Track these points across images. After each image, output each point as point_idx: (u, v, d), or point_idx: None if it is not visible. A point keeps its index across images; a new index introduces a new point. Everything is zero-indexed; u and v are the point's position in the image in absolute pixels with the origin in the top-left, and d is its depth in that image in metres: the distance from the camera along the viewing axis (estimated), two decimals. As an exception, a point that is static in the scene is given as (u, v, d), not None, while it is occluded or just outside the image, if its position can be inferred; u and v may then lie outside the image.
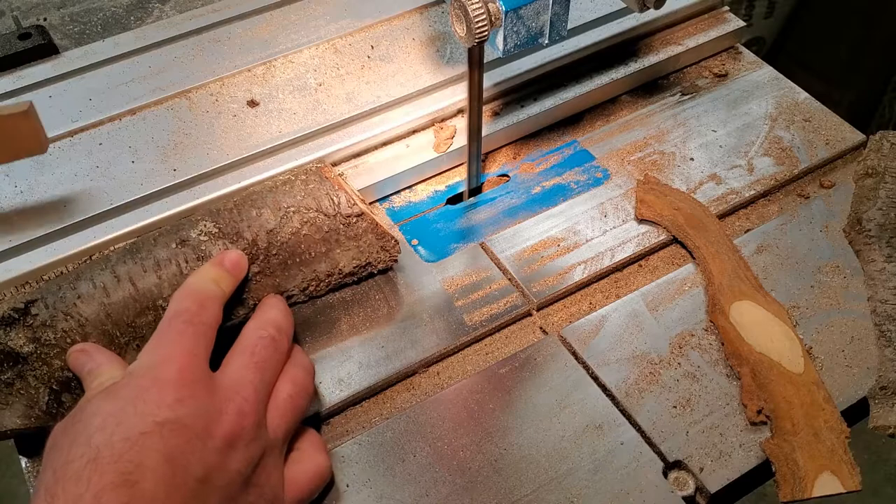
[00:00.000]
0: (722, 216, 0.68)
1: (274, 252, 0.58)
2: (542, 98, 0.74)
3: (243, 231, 0.58)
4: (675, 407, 0.56)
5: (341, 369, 0.58)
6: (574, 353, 0.60)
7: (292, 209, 0.59)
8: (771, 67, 0.80)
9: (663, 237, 0.66)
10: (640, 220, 0.67)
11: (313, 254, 0.60)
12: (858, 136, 0.73)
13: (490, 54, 0.65)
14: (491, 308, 0.62)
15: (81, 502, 0.41)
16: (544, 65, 0.74)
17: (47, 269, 0.60)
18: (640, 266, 0.66)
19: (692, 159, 0.72)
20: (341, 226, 0.60)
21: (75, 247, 0.61)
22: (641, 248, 0.65)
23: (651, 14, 0.73)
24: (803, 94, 0.77)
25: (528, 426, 0.56)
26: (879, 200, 0.66)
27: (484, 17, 0.57)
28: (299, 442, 0.51)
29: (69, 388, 0.54)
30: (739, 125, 0.74)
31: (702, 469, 0.53)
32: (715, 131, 0.74)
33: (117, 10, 0.83)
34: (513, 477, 0.53)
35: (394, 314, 0.62)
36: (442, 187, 0.71)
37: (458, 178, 0.72)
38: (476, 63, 0.62)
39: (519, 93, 0.74)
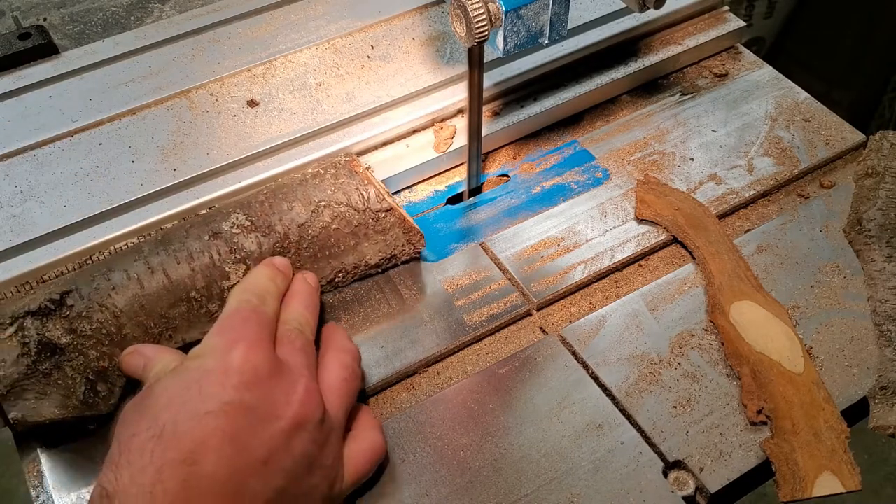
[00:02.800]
0: (722, 216, 0.68)
1: (305, 246, 0.59)
2: (542, 98, 0.74)
3: (275, 224, 0.59)
4: (675, 407, 0.56)
5: None
6: (574, 353, 0.60)
7: (323, 203, 0.60)
8: (771, 67, 0.80)
9: (663, 237, 0.66)
10: (640, 220, 0.67)
11: (342, 247, 0.61)
12: (858, 136, 0.73)
13: (490, 54, 0.65)
14: (491, 308, 0.62)
15: (144, 475, 0.42)
16: (544, 65, 0.74)
17: (47, 269, 0.60)
18: (640, 266, 0.66)
19: (692, 159, 0.72)
20: (370, 220, 0.61)
21: (75, 247, 0.61)
22: (641, 248, 0.65)
23: (651, 14, 0.73)
24: (803, 94, 0.77)
25: (528, 426, 0.56)
26: (879, 200, 0.66)
27: (484, 17, 0.57)
28: (354, 422, 0.53)
29: (105, 379, 0.55)
30: (739, 125, 0.74)
31: (702, 469, 0.53)
32: (715, 131, 0.74)
33: (117, 10, 0.83)
34: (513, 477, 0.53)
35: (394, 314, 0.62)
36: (442, 187, 0.71)
37: (458, 178, 0.72)
38: (476, 63, 0.62)
39: (519, 93, 0.74)
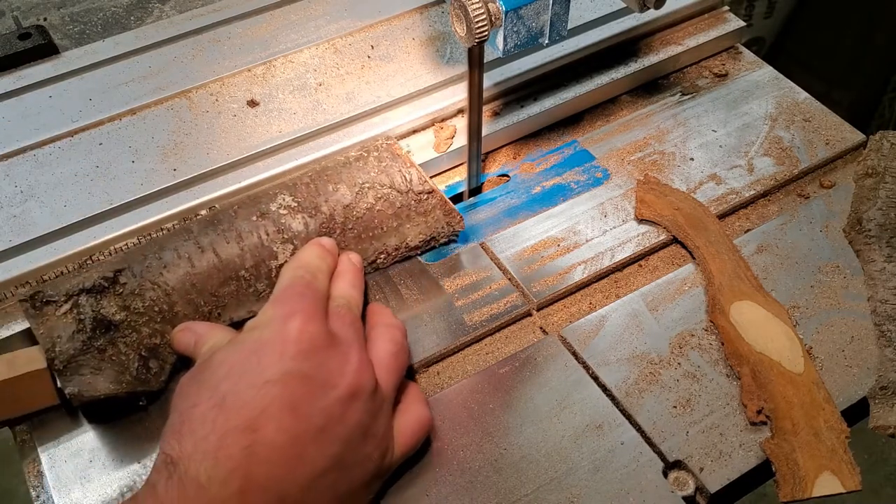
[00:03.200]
0: (722, 216, 0.68)
1: (350, 227, 0.61)
2: (542, 98, 0.74)
3: (321, 205, 0.61)
4: (675, 407, 0.56)
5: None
6: (574, 353, 0.60)
7: (367, 185, 0.62)
8: (771, 67, 0.80)
9: (663, 237, 0.66)
10: (640, 220, 0.67)
11: (385, 228, 0.62)
12: (858, 136, 0.73)
13: (490, 54, 0.65)
14: (491, 308, 0.62)
15: (206, 443, 0.43)
16: (544, 65, 0.74)
17: (47, 269, 0.60)
18: (640, 266, 0.66)
19: (692, 159, 0.72)
20: (413, 202, 0.63)
21: (75, 247, 0.61)
22: (641, 248, 0.65)
23: (651, 14, 0.73)
24: (803, 94, 0.77)
25: (528, 426, 0.56)
26: (879, 200, 0.66)
27: (484, 17, 0.57)
28: (402, 396, 0.53)
29: (156, 355, 0.56)
30: (739, 125, 0.74)
31: (702, 469, 0.53)
32: (715, 131, 0.74)
33: (117, 10, 0.83)
34: (513, 477, 0.53)
35: (394, 314, 0.62)
36: (442, 187, 0.71)
37: (458, 178, 0.72)
38: (476, 63, 0.62)
39: (519, 93, 0.74)
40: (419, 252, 0.65)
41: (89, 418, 0.56)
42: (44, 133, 0.68)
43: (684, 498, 0.52)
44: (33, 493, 0.54)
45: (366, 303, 0.58)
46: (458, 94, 0.71)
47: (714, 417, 0.56)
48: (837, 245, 0.66)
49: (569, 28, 0.63)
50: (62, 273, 0.60)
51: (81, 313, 0.54)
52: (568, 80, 0.75)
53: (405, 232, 0.63)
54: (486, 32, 0.58)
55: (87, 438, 0.55)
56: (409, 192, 0.63)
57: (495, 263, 0.65)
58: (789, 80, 0.78)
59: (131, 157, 0.66)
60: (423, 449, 0.54)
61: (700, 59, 0.81)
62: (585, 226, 0.67)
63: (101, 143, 0.68)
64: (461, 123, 0.72)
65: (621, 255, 0.65)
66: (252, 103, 0.71)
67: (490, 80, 0.71)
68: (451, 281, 0.63)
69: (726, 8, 0.82)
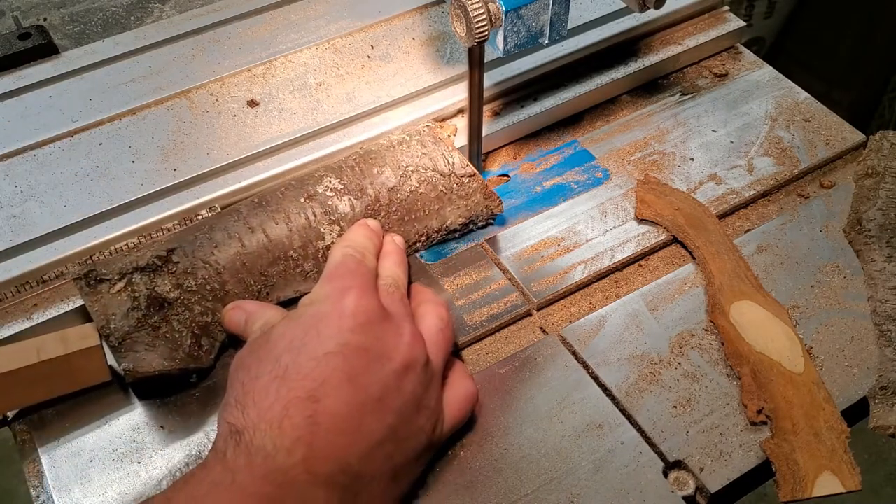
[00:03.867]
0: (722, 216, 0.68)
1: (394, 209, 0.62)
2: (542, 98, 0.74)
3: (366, 188, 0.62)
4: (675, 407, 0.56)
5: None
6: (574, 353, 0.60)
7: (411, 168, 0.63)
8: (771, 67, 0.80)
9: (663, 237, 0.66)
10: (640, 220, 0.67)
11: (427, 211, 0.63)
12: (858, 136, 0.73)
13: (490, 54, 0.65)
14: (491, 308, 0.62)
15: (270, 412, 0.45)
16: (544, 65, 0.74)
17: (47, 269, 0.60)
18: (640, 266, 0.66)
19: (692, 159, 0.72)
20: (455, 185, 0.64)
21: (75, 247, 0.61)
22: (641, 248, 0.65)
23: (651, 14, 0.73)
24: (803, 94, 0.77)
25: (528, 426, 0.56)
26: (879, 200, 0.66)
27: (484, 16, 0.57)
28: (449, 371, 0.54)
29: (207, 333, 0.57)
30: (739, 125, 0.74)
31: (702, 469, 0.53)
32: (715, 131, 0.74)
33: (117, 10, 0.83)
34: (513, 477, 0.53)
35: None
36: (442, 187, 0.71)
37: (459, 178, 0.72)
38: (476, 63, 0.62)
39: (519, 93, 0.74)
40: (457, 235, 0.66)
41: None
42: (44, 133, 0.68)
43: (684, 498, 0.52)
44: (33, 493, 0.54)
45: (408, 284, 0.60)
46: (458, 94, 0.71)
47: (714, 417, 0.56)
48: (837, 245, 0.66)
49: (569, 28, 0.63)
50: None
51: (136, 291, 0.56)
52: (568, 80, 0.75)
53: (446, 215, 0.64)
54: (486, 32, 0.58)
55: (87, 438, 0.55)
56: (451, 176, 0.64)
57: (495, 263, 0.65)
58: (789, 80, 0.78)
59: (131, 157, 0.66)
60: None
61: (700, 59, 0.81)
62: (585, 226, 0.67)
63: (101, 143, 0.68)
64: (461, 123, 0.71)
65: (621, 255, 0.65)
66: (252, 103, 0.71)
67: (490, 79, 0.71)
68: (451, 281, 0.63)
69: (726, 8, 0.82)
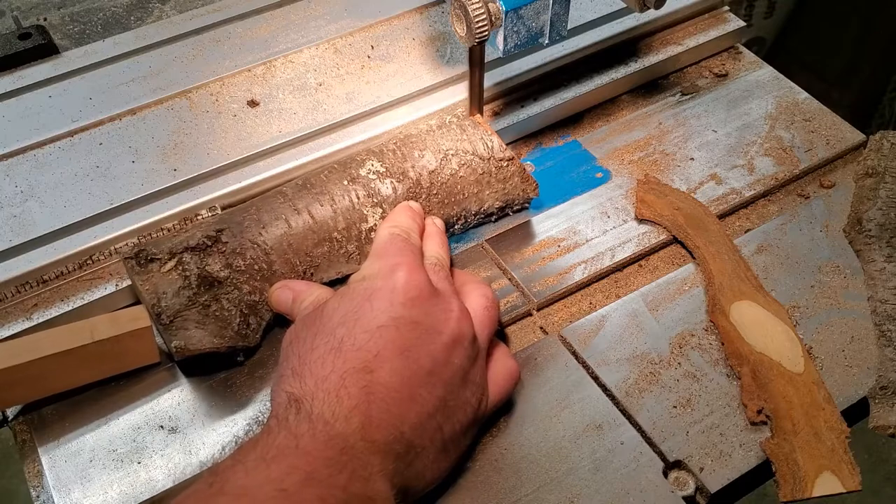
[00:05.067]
0: (722, 216, 0.68)
1: (435, 192, 0.63)
2: (542, 98, 0.74)
3: (408, 171, 0.63)
4: (675, 407, 0.56)
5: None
6: (574, 353, 0.60)
7: (451, 152, 0.64)
8: (771, 67, 0.80)
9: (663, 237, 0.66)
10: (641, 220, 0.67)
11: (466, 194, 0.64)
12: (858, 136, 0.73)
13: (490, 54, 0.65)
14: (491, 308, 0.62)
15: (327, 382, 0.46)
16: (544, 65, 0.74)
17: (48, 269, 0.60)
18: (641, 266, 0.66)
19: (692, 159, 0.72)
20: (493, 168, 0.65)
21: (75, 246, 0.61)
22: (641, 248, 0.65)
23: (651, 14, 0.73)
24: (803, 94, 0.77)
25: (528, 426, 0.56)
26: (879, 200, 0.66)
27: (484, 16, 0.57)
28: (492, 349, 0.55)
29: (255, 312, 0.58)
30: (739, 125, 0.74)
31: (702, 469, 0.53)
32: (715, 131, 0.74)
33: (117, 10, 0.83)
34: (513, 477, 0.53)
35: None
36: (442, 187, 0.71)
37: (459, 177, 0.71)
38: (476, 63, 0.62)
39: (519, 93, 0.74)
40: (493, 219, 0.67)
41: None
42: (44, 133, 0.68)
43: (684, 498, 0.52)
44: (33, 493, 0.54)
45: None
46: (459, 94, 0.71)
47: (714, 417, 0.56)
48: (837, 245, 0.66)
49: (569, 28, 0.63)
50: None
51: (186, 270, 0.56)
52: (568, 80, 0.75)
53: (484, 198, 0.65)
54: (487, 32, 0.58)
55: (87, 438, 0.55)
56: (490, 159, 0.64)
57: (495, 263, 0.65)
58: (789, 80, 0.78)
59: (131, 157, 0.66)
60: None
61: (700, 59, 0.81)
62: (585, 226, 0.67)
63: (101, 143, 0.68)
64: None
65: (621, 255, 0.65)
66: (252, 103, 0.71)
67: (490, 79, 0.71)
68: (451, 281, 0.63)
69: (726, 8, 0.82)
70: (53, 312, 0.59)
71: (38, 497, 0.54)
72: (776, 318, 0.59)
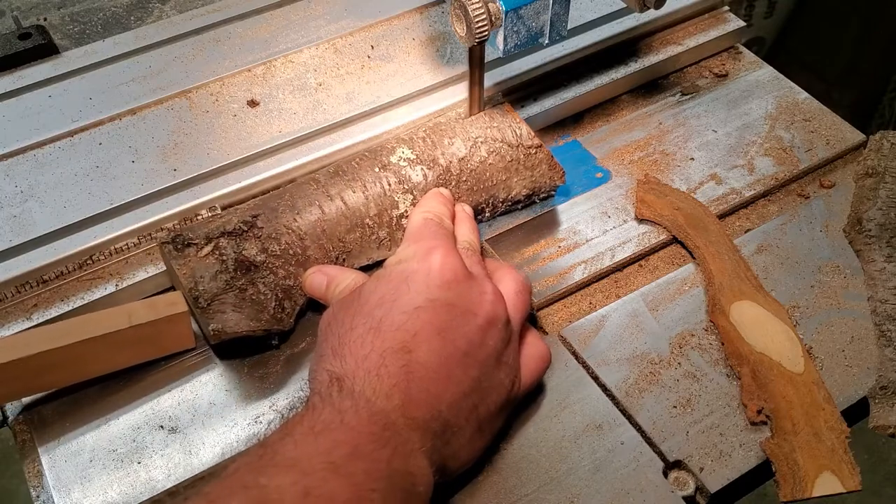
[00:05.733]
0: (722, 216, 0.68)
1: (464, 179, 0.64)
2: (542, 98, 0.74)
3: (438, 158, 0.63)
4: (675, 407, 0.56)
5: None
6: (574, 353, 0.60)
7: (480, 139, 0.65)
8: (771, 67, 0.80)
9: (663, 237, 0.66)
10: (641, 220, 0.67)
11: (495, 181, 0.65)
12: (858, 136, 0.73)
13: (490, 54, 0.65)
14: (491, 308, 0.62)
15: (367, 361, 0.48)
16: (544, 65, 0.74)
17: (47, 269, 0.60)
18: (641, 266, 0.66)
19: (692, 159, 0.72)
20: (522, 156, 0.65)
21: (75, 247, 0.61)
22: (641, 248, 0.65)
23: (651, 14, 0.73)
24: (803, 94, 0.77)
25: (529, 426, 0.56)
26: (879, 200, 0.66)
27: (484, 16, 0.57)
28: (524, 333, 0.56)
29: (290, 296, 0.59)
30: (739, 125, 0.74)
31: (702, 469, 0.53)
32: (715, 131, 0.74)
33: (117, 10, 0.83)
34: (513, 477, 0.53)
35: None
36: (442, 187, 0.71)
37: (459, 177, 0.71)
38: (476, 63, 0.62)
39: (519, 93, 0.74)
40: (520, 207, 0.67)
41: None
42: (44, 133, 0.68)
43: (684, 498, 0.52)
44: (33, 493, 0.54)
45: None
46: (459, 94, 0.71)
47: (714, 417, 0.56)
48: (837, 245, 0.66)
49: (569, 28, 0.63)
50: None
51: (224, 254, 0.57)
52: (568, 80, 0.75)
53: (512, 185, 0.65)
54: (487, 32, 0.58)
55: (87, 438, 0.55)
56: (518, 147, 0.65)
57: (495, 263, 0.65)
58: (789, 80, 0.78)
59: (131, 157, 0.66)
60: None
61: (700, 59, 0.81)
62: (585, 226, 0.67)
63: (100, 143, 0.68)
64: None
65: (621, 255, 0.65)
66: (252, 103, 0.71)
67: (490, 79, 0.71)
68: (451, 281, 0.63)
69: (726, 8, 0.82)
70: (53, 312, 0.59)
71: (38, 497, 0.54)
72: (776, 318, 0.59)
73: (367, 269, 0.62)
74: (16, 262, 0.60)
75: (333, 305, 0.53)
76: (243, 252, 0.58)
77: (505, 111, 0.67)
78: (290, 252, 0.59)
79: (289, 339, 0.60)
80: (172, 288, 0.62)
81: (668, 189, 0.69)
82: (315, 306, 0.61)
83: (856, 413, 0.57)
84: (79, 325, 0.55)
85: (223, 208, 0.64)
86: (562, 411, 0.56)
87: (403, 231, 0.62)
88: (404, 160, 0.63)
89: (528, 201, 0.67)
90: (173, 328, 0.57)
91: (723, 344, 0.59)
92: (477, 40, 0.58)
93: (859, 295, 0.63)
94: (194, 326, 0.59)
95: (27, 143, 0.67)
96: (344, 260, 0.61)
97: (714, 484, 0.53)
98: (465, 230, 0.60)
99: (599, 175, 0.71)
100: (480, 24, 0.57)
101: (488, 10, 0.57)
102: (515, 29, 0.59)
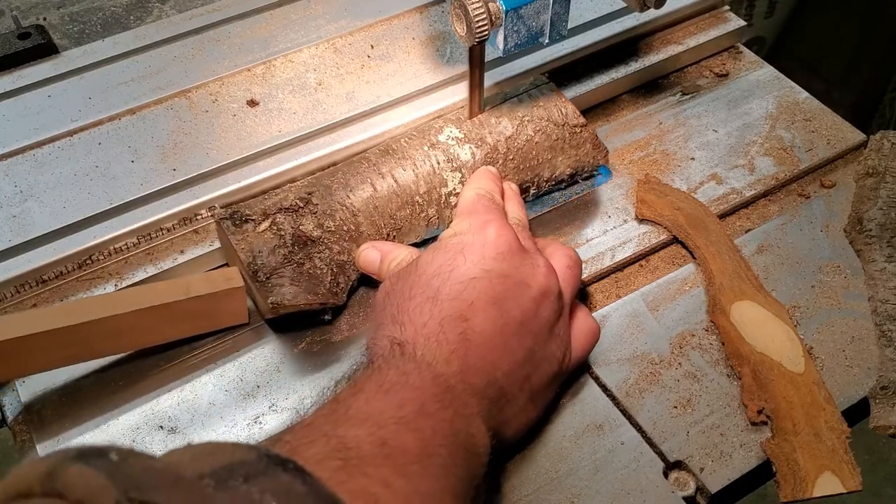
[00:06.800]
0: (722, 216, 0.68)
1: (511, 157, 0.65)
2: (542, 98, 0.74)
3: (486, 137, 0.65)
4: (675, 407, 0.56)
5: (341, 369, 0.58)
6: (574, 353, 0.59)
7: (527, 118, 0.66)
8: (771, 67, 0.80)
9: (664, 237, 0.66)
10: (641, 220, 0.67)
11: (540, 160, 0.66)
12: (859, 136, 0.73)
13: (490, 54, 0.65)
14: (491, 308, 0.62)
15: (426, 329, 0.49)
16: (544, 65, 0.74)
17: (47, 269, 0.60)
18: (641, 266, 0.65)
19: (693, 159, 0.72)
20: (567, 134, 0.67)
21: (75, 247, 0.61)
22: (642, 247, 0.65)
23: (651, 13, 0.73)
24: (804, 94, 0.77)
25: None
26: (880, 200, 0.66)
27: (484, 16, 0.57)
28: (574, 309, 0.57)
29: (343, 271, 0.61)
30: (740, 125, 0.74)
31: (702, 469, 0.53)
32: (716, 131, 0.74)
33: (117, 10, 0.83)
34: (513, 477, 0.53)
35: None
36: (442, 187, 0.71)
37: (459, 177, 0.71)
38: (476, 62, 0.62)
39: (519, 92, 0.74)
40: (563, 187, 0.69)
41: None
42: (43, 133, 0.68)
43: (685, 498, 0.52)
44: (33, 494, 0.54)
45: None
46: (459, 94, 0.71)
47: (715, 417, 0.56)
48: (838, 245, 0.66)
49: (569, 28, 0.62)
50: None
51: (281, 230, 0.59)
52: (568, 80, 0.75)
53: (557, 164, 0.66)
54: (487, 32, 0.58)
55: (86, 438, 0.55)
56: (564, 125, 0.66)
57: (495, 263, 0.65)
58: (790, 80, 0.78)
59: (131, 157, 0.66)
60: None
61: (700, 59, 0.81)
62: (585, 226, 0.67)
63: (100, 143, 0.67)
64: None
65: (622, 255, 0.65)
66: (252, 103, 0.70)
67: (490, 79, 0.71)
68: (451, 281, 0.63)
69: (727, 7, 0.82)
70: (53, 312, 0.59)
71: (37, 497, 0.53)
72: (777, 318, 0.59)
73: (417, 246, 0.63)
74: (15, 262, 0.60)
75: (391, 277, 0.55)
76: (300, 227, 0.59)
77: (550, 90, 0.68)
78: (344, 228, 0.61)
79: (286, 339, 0.60)
80: (225, 265, 0.63)
81: (668, 189, 0.68)
82: (367, 282, 0.62)
83: (856, 413, 0.57)
84: (138, 294, 0.56)
85: (223, 208, 0.64)
86: (562, 411, 0.56)
87: (451, 209, 0.63)
88: (452, 139, 0.64)
89: (570, 181, 0.69)
90: (229, 303, 0.59)
91: (723, 344, 0.59)
92: (477, 40, 0.58)
93: (860, 295, 0.62)
94: (260, 294, 0.60)
95: (26, 142, 0.67)
96: (394, 237, 0.63)
97: (714, 484, 0.53)
98: (514, 207, 0.61)
99: (600, 175, 0.71)
100: (480, 23, 0.57)
101: (488, 9, 0.57)
102: (515, 28, 0.59)
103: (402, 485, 0.39)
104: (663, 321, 0.61)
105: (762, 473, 0.54)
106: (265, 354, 0.60)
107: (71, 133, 0.68)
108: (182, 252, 0.63)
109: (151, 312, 0.55)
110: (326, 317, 0.60)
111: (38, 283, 0.60)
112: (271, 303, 0.56)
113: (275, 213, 0.60)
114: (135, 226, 0.62)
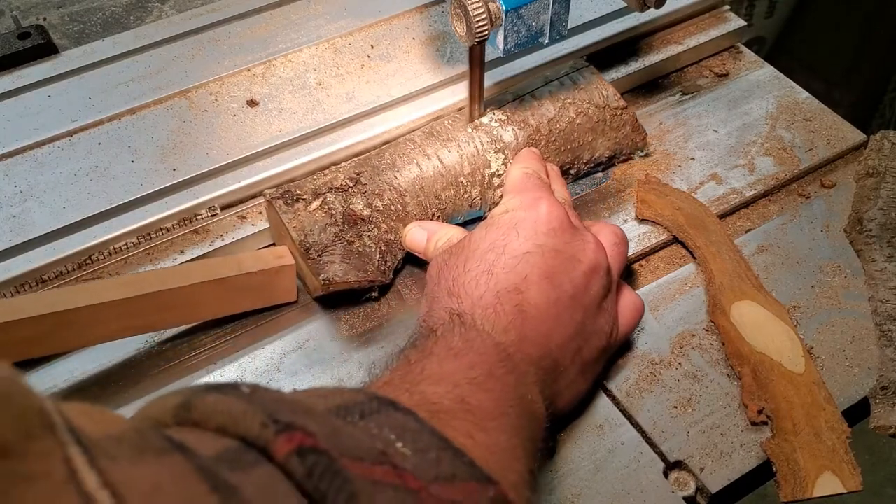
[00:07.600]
0: (723, 216, 0.68)
1: (553, 139, 0.66)
2: (542, 98, 0.74)
3: (528, 119, 0.66)
4: (675, 407, 0.56)
5: (341, 370, 0.58)
6: (574, 353, 0.59)
7: (569, 101, 0.67)
8: (772, 67, 0.80)
9: (664, 237, 0.66)
10: (641, 220, 0.67)
11: (581, 142, 0.67)
12: (859, 136, 0.73)
13: (490, 54, 0.65)
14: (491, 308, 0.62)
15: (483, 300, 0.50)
16: (544, 64, 0.74)
17: (47, 269, 0.60)
18: (641, 266, 0.65)
19: (693, 159, 0.72)
20: (608, 117, 0.68)
21: (75, 246, 0.61)
22: (642, 247, 0.65)
23: (651, 13, 0.73)
24: (804, 94, 0.77)
25: (529, 426, 0.55)
26: (880, 200, 0.66)
27: (484, 16, 0.57)
28: (619, 285, 0.58)
29: (391, 250, 0.62)
30: (740, 125, 0.74)
31: (702, 469, 0.53)
32: (716, 131, 0.74)
33: (117, 10, 0.83)
34: (513, 477, 0.53)
35: (394, 314, 0.62)
36: (442, 187, 0.71)
37: (459, 177, 0.71)
38: (476, 62, 0.62)
39: (519, 92, 0.74)
40: (601, 169, 0.70)
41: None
42: (43, 133, 0.68)
43: (685, 498, 0.52)
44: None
45: None
46: (459, 94, 0.71)
47: (715, 418, 0.56)
48: (838, 245, 0.66)
49: (569, 28, 0.62)
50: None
51: (332, 209, 0.60)
52: (568, 80, 0.75)
53: (597, 146, 0.68)
54: (487, 32, 0.58)
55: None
56: (605, 108, 0.67)
57: (495, 263, 0.65)
58: (790, 80, 0.78)
59: (131, 157, 0.66)
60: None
61: (701, 59, 0.80)
62: (586, 225, 0.67)
63: (100, 143, 0.67)
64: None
65: (622, 255, 0.65)
66: (252, 103, 0.70)
67: (490, 79, 0.71)
68: (451, 281, 0.63)
69: (727, 7, 0.82)
70: (52, 312, 0.59)
71: (37, 497, 0.53)
72: (777, 318, 0.59)
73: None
74: (15, 262, 0.60)
75: (443, 253, 0.56)
76: (350, 206, 0.60)
77: (592, 72, 0.69)
78: (392, 208, 0.62)
79: (289, 340, 0.60)
80: (273, 245, 0.64)
81: (668, 189, 0.68)
82: (416, 260, 0.63)
83: (856, 413, 0.57)
84: (194, 269, 0.58)
85: (223, 208, 0.64)
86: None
87: (493, 190, 0.64)
88: (496, 121, 0.65)
89: (609, 163, 0.70)
90: (279, 280, 0.60)
91: (723, 344, 0.59)
92: (477, 40, 0.58)
93: (860, 295, 0.62)
94: (312, 270, 0.60)
95: (26, 142, 0.67)
96: (439, 217, 0.64)
97: (714, 484, 0.53)
98: (559, 187, 0.62)
99: (599, 175, 0.71)
100: (480, 23, 0.57)
101: (488, 9, 0.57)
102: (515, 28, 0.59)
103: (483, 438, 0.41)
104: (663, 321, 0.61)
105: (762, 473, 0.54)
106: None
107: (71, 133, 0.68)
108: (182, 252, 0.63)
109: (206, 287, 0.56)
110: (374, 294, 0.61)
111: (38, 283, 0.60)
112: (323, 279, 0.57)
113: (325, 193, 0.60)
114: (135, 226, 0.62)
